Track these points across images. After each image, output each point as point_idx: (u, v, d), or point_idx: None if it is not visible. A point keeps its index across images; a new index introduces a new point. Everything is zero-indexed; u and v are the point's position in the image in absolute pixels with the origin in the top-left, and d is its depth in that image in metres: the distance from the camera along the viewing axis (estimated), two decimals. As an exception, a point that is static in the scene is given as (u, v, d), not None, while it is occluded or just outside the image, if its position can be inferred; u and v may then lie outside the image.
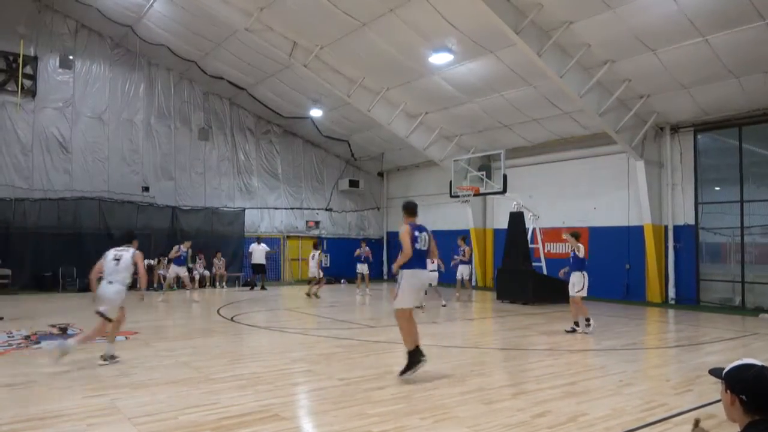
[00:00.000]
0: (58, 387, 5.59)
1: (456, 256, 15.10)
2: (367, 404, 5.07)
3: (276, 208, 21.99)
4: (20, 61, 16.75)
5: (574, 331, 9.48)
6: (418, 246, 5.97)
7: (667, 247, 14.91)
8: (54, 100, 17.63)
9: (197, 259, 18.56)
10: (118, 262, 6.89)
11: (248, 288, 18.54)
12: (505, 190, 15.67)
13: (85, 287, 16.05)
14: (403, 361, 6.09)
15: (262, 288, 18.20)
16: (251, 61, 17.46)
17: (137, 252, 7.04)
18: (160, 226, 18.71)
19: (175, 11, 15.98)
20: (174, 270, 15.39)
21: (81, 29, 18.10)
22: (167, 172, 19.55)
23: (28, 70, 17.11)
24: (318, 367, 6.72)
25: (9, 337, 8.39)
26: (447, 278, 15.60)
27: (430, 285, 12.93)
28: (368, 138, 21.25)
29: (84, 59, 18.19)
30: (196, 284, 17.20)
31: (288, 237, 22.19)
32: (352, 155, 23.15)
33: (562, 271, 10.12)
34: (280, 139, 22.25)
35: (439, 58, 14.19)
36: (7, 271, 15.84)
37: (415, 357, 5.89)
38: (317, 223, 22.96)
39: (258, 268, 18.55)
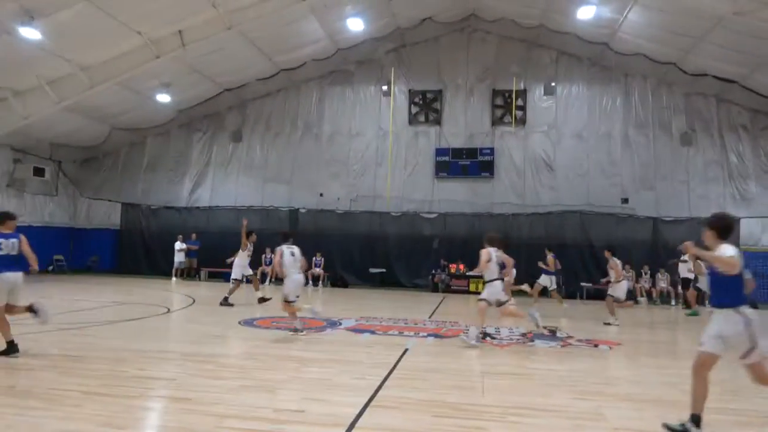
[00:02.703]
0: (549, 384, 6.13)
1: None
2: None
3: (784, 217, 18.20)
4: (513, 96, 19.60)
5: None
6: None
7: None
8: (540, 124, 19.79)
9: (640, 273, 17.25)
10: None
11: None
12: None
13: (571, 293, 17.16)
14: None
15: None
16: (742, 48, 15.10)
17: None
18: (640, 238, 18.27)
19: (649, 16, 15.47)
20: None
21: (561, 57, 19.74)
22: (646, 182, 18.97)
23: (520, 102, 19.80)
24: None
25: (510, 332, 9.77)
26: None
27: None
28: None
29: (564, 84, 19.75)
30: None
31: (802, 252, 17.97)
32: None
33: None
34: (784, 134, 18.40)
35: None
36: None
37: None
38: None
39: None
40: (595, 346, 8.76)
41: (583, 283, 17.53)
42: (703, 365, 4.39)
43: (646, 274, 17.26)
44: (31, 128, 17.33)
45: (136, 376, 5.88)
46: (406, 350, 7.74)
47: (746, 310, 4.32)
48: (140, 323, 9.74)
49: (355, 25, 17.72)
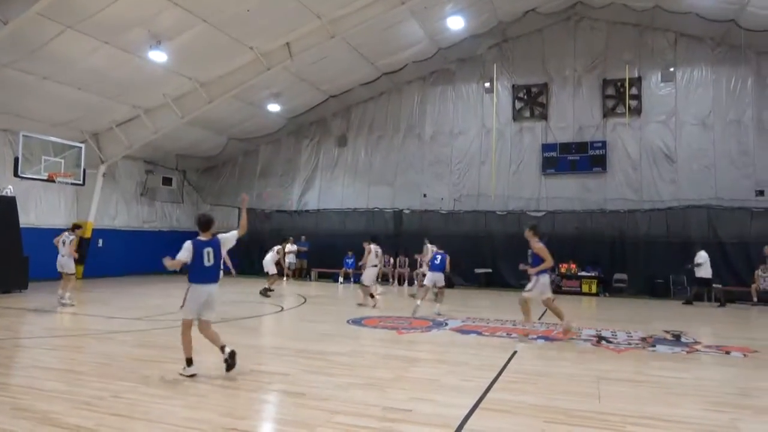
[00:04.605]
0: (675, 392, 5.66)
1: None
2: None
3: None
4: (626, 84, 18.37)
5: None
6: None
7: None
8: (657, 114, 18.37)
9: None
10: None
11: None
12: None
13: (699, 295, 15.78)
14: None
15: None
16: None
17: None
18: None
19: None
20: None
21: (680, 39, 18.20)
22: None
23: (634, 91, 18.52)
24: None
25: (628, 336, 9.17)
26: None
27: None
28: None
29: (684, 68, 18.19)
30: None
31: None
32: None
33: None
34: None
35: None
36: (624, 276, 17.47)
37: None
38: None
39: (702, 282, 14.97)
40: (727, 353, 7.97)
41: (715, 285, 16.00)
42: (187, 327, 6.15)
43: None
44: (160, 142, 19.00)
45: (254, 371, 6.23)
46: (515, 352, 7.53)
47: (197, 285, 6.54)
48: (257, 321, 10.31)
49: (456, 23, 17.55)
